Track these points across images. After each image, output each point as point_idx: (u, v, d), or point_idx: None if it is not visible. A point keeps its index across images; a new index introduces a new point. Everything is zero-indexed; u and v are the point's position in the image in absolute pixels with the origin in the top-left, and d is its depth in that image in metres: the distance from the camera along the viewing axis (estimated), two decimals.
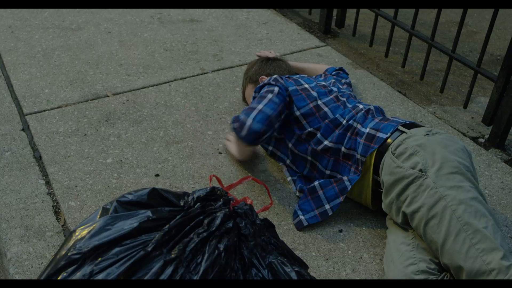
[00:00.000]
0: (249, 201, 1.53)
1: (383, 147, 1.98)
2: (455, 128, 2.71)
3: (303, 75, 2.43)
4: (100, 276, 1.13)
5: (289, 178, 2.27)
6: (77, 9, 3.61)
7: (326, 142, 2.12)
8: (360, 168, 2.02)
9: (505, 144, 2.64)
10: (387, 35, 3.24)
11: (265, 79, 2.45)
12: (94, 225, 1.22)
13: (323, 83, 2.37)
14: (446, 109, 2.89)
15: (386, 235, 2.05)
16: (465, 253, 1.66)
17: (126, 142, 2.44)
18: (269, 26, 3.58)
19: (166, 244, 1.20)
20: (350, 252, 2.01)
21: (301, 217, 2.07)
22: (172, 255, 1.17)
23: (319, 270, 1.92)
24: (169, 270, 1.15)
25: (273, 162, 2.38)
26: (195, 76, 2.98)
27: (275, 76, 2.28)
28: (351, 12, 3.67)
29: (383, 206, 1.98)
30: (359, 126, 2.10)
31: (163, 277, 1.14)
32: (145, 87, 2.85)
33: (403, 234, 1.91)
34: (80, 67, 2.98)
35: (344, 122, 2.13)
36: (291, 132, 2.23)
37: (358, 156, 2.03)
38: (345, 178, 2.05)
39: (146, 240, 1.21)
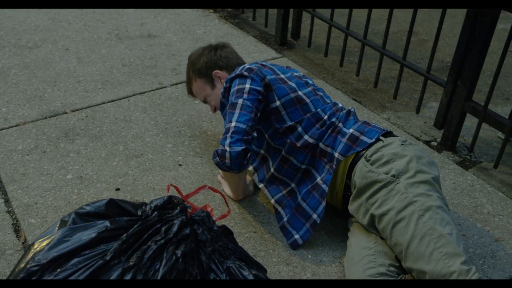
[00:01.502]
0: (209, 209, 1.57)
1: (358, 155, 2.00)
2: (408, 133, 2.80)
3: (275, 64, 2.34)
4: None
5: (261, 185, 2.24)
6: (34, 27, 3.60)
7: (306, 137, 2.09)
8: (334, 166, 2.03)
9: (456, 146, 2.74)
10: (341, 45, 3.33)
11: (220, 73, 2.36)
12: (52, 237, 1.24)
13: (297, 74, 2.30)
14: (400, 115, 2.98)
15: (345, 239, 2.10)
16: (428, 255, 1.72)
17: (85, 158, 2.45)
18: (226, 39, 3.63)
19: (125, 252, 1.23)
20: (309, 256, 2.05)
21: (296, 236, 2.08)
22: (131, 263, 1.20)
23: (280, 275, 1.96)
24: (127, 278, 1.18)
25: None
26: (153, 90, 3.01)
27: (248, 66, 2.18)
28: (306, 24, 3.75)
29: (350, 208, 2.02)
30: (340, 125, 2.11)
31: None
32: (104, 103, 2.86)
33: (366, 238, 1.96)
34: (37, 85, 2.98)
35: (326, 117, 2.12)
36: (268, 123, 2.16)
37: (336, 155, 2.03)
38: (319, 181, 2.06)
39: (105, 249, 1.24)
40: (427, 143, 2.76)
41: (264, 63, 2.25)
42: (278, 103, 2.12)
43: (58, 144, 2.52)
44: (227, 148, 1.95)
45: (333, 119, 2.12)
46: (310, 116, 2.12)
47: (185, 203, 1.38)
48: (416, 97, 3.16)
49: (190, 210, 1.38)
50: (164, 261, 1.20)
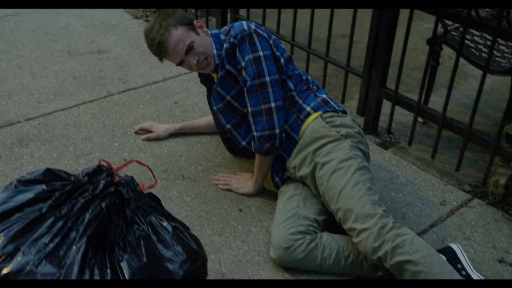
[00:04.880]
0: (140, 185, 1.82)
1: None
2: None
3: None
4: (1, 234, 1.39)
5: (243, 143, 2.45)
6: None
7: (292, 91, 2.36)
8: (302, 117, 2.31)
9: (378, 130, 3.04)
10: None
11: (200, 23, 2.36)
12: None
13: None
14: None
15: (272, 211, 2.38)
16: (358, 198, 2.04)
17: (38, 159, 2.69)
18: None
19: (58, 207, 1.47)
20: (240, 227, 2.32)
21: (276, 179, 2.41)
22: (62, 213, 1.45)
23: (212, 244, 2.22)
24: (59, 224, 1.43)
25: (173, 163, 2.68)
26: (102, 98, 3.26)
27: (253, 26, 2.28)
28: None
29: (292, 162, 2.31)
30: (315, 88, 2.43)
31: (55, 229, 1.42)
32: (55, 111, 3.10)
33: (289, 205, 2.22)
34: None
35: (304, 78, 2.42)
36: None
37: (308, 109, 2.31)
38: (289, 130, 2.32)
39: (42, 207, 1.49)
40: None
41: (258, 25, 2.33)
42: (282, 60, 2.33)
43: (13, 149, 2.75)
44: (277, 130, 2.26)
45: (310, 81, 2.43)
46: (297, 73, 2.40)
47: (112, 170, 1.64)
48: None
49: (116, 176, 1.63)
50: (90, 211, 1.45)
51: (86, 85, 3.40)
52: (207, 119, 2.90)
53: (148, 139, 2.85)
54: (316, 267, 2.08)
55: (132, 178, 1.62)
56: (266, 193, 2.50)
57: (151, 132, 2.89)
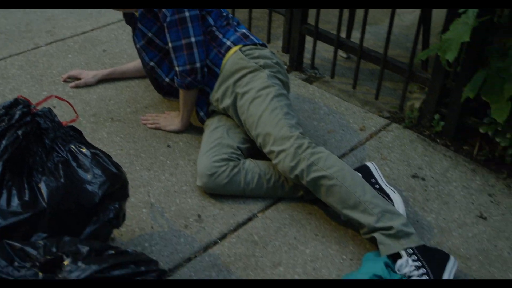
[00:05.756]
0: (64, 123, 1.87)
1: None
2: None
3: None
4: None
5: (167, 79, 2.52)
6: None
7: (212, 27, 2.42)
8: (222, 51, 2.39)
9: (303, 66, 3.15)
10: None
11: None
12: None
13: None
14: None
15: (198, 146, 2.47)
16: (276, 122, 2.16)
17: None
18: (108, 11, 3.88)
19: None
20: (168, 162, 2.41)
21: (201, 113, 2.49)
22: None
23: (141, 178, 2.31)
24: None
25: (103, 107, 2.73)
26: (29, 50, 3.25)
27: None
28: None
29: (214, 95, 2.40)
30: (235, 24, 2.50)
31: None
32: None
33: (213, 136, 2.32)
34: None
35: (225, 14, 2.49)
36: None
37: (228, 43, 2.39)
38: (211, 64, 2.40)
39: None
40: None
41: None
42: None
43: None
44: (198, 64, 2.32)
45: (230, 17, 2.51)
46: (217, 10, 2.46)
47: (30, 103, 1.68)
48: (271, 32, 3.54)
49: (33, 108, 1.68)
50: (6, 138, 1.51)
51: (12, 39, 3.38)
52: (135, 63, 2.94)
53: (77, 86, 2.88)
54: (240, 191, 2.19)
55: (49, 110, 1.68)
56: (194, 129, 2.59)
57: (80, 79, 2.92)
